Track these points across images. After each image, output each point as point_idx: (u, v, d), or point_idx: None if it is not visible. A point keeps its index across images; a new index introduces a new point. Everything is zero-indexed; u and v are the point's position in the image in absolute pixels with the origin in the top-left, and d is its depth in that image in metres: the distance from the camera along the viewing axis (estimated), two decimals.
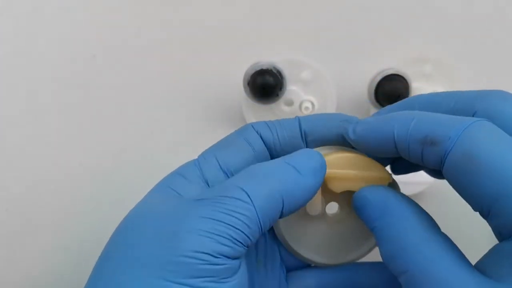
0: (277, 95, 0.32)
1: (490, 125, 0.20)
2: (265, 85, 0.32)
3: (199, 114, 0.36)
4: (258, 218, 0.20)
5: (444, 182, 0.22)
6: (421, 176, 0.26)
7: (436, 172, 0.23)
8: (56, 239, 0.35)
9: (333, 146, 0.25)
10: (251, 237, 0.20)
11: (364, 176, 0.23)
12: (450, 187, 0.22)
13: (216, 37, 0.35)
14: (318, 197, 0.24)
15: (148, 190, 0.24)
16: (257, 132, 0.24)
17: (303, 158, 0.22)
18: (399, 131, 0.21)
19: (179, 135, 0.36)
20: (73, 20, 0.35)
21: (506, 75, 0.35)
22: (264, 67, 0.32)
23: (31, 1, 0.35)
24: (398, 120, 0.22)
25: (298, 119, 0.25)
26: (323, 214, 0.25)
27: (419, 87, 0.34)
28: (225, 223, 0.20)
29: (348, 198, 0.25)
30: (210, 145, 0.35)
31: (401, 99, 0.31)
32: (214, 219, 0.20)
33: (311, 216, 0.25)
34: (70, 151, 0.35)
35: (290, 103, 0.34)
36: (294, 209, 0.22)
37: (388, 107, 0.25)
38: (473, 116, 0.21)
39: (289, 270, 0.27)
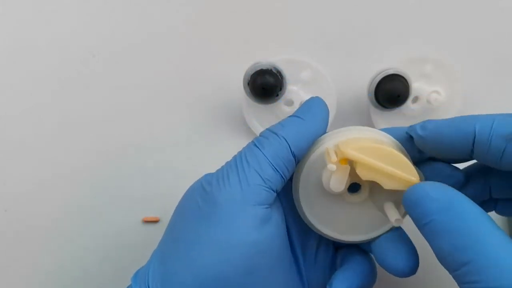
0: (277, 95, 0.32)
1: None
2: (265, 85, 0.32)
3: (199, 114, 0.36)
4: (269, 160, 0.24)
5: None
6: None
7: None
8: (56, 239, 0.35)
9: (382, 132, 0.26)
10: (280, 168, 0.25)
11: (395, 174, 0.23)
12: None
13: (216, 37, 0.35)
14: (345, 176, 0.24)
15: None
16: None
17: (305, 107, 0.26)
18: (482, 126, 0.22)
19: (179, 135, 0.36)
20: (73, 20, 0.35)
21: (506, 75, 0.35)
22: (264, 67, 0.32)
23: (31, 1, 0.35)
24: (479, 118, 0.22)
25: None
26: (343, 194, 0.26)
27: (419, 87, 0.34)
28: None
29: (370, 185, 0.25)
30: (210, 145, 0.36)
31: (401, 99, 0.32)
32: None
33: (332, 194, 0.25)
34: (70, 151, 0.35)
35: (290, 103, 0.34)
36: (302, 148, 0.25)
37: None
38: None
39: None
